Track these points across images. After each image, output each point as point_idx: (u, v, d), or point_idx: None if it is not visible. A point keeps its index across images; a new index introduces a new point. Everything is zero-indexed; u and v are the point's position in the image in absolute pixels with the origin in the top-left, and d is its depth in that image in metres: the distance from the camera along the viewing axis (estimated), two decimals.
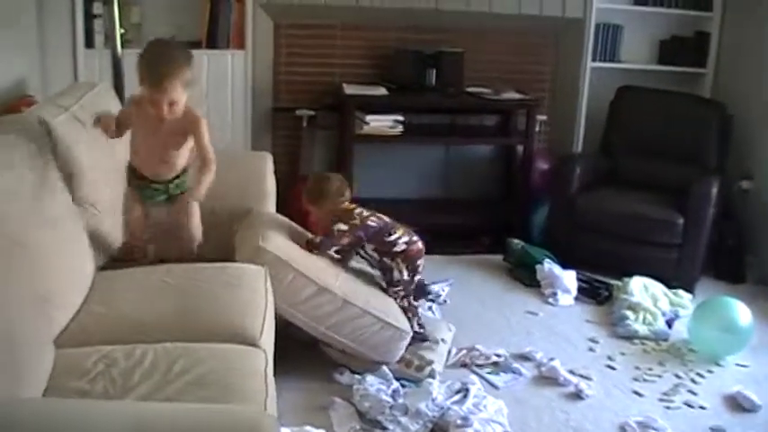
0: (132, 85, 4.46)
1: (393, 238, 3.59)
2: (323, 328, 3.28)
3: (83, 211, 2.95)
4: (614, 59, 5.32)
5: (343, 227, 3.49)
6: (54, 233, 2.59)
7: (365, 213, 3.58)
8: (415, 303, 3.69)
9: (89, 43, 4.61)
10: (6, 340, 1.94)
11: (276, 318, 3.10)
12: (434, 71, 5.13)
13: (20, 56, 3.83)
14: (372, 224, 3.57)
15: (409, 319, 3.55)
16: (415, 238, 3.65)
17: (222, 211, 3.60)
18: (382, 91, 5.04)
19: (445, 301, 4.26)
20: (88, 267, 2.85)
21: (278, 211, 3.86)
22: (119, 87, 4.09)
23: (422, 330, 3.62)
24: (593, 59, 5.25)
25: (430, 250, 4.83)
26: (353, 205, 3.61)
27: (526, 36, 5.45)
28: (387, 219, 3.65)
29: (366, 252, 3.67)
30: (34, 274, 2.32)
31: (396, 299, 3.58)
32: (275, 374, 2.94)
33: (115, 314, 2.65)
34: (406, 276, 3.60)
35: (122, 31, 4.25)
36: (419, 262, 3.66)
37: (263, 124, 5.23)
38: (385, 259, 3.61)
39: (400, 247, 3.59)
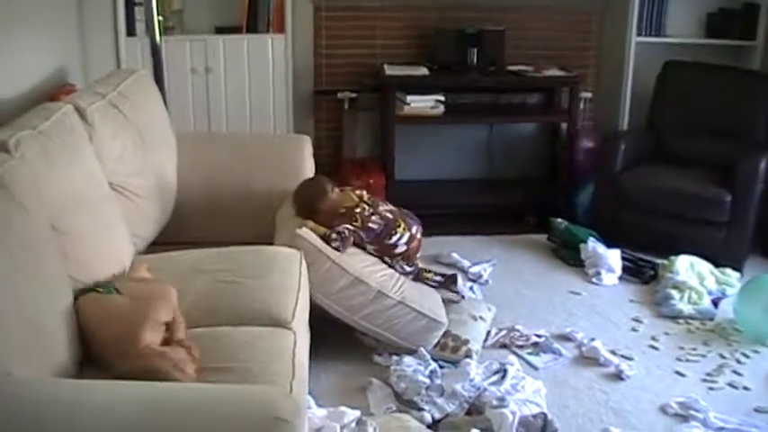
0: (172, 73, 4.56)
1: (394, 239, 3.55)
2: (357, 318, 3.30)
3: (119, 196, 2.99)
4: (660, 34, 5.20)
5: (348, 227, 3.43)
6: (90, 218, 2.63)
7: (366, 213, 3.51)
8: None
9: (130, 31, 4.65)
10: (35, 323, 1.99)
11: (315, 303, 3.15)
12: (475, 50, 5.08)
13: (60, 44, 3.88)
14: (373, 226, 3.51)
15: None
16: (414, 230, 3.62)
17: (260, 194, 3.65)
18: (423, 71, 5.01)
19: (487, 282, 4.24)
20: (125, 251, 2.90)
21: None
22: (158, 75, 4.14)
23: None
24: (639, 34, 5.14)
25: (473, 231, 4.88)
26: (354, 201, 3.56)
27: (568, 12, 5.36)
28: (389, 215, 3.57)
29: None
30: (68, 257, 2.36)
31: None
32: (314, 357, 3.01)
33: None
34: (407, 269, 3.61)
35: (161, 18, 4.28)
36: (417, 255, 3.68)
37: (305, 108, 5.25)
38: (385, 259, 3.56)
39: (401, 249, 3.57)
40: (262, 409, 1.63)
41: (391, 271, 3.52)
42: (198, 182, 3.66)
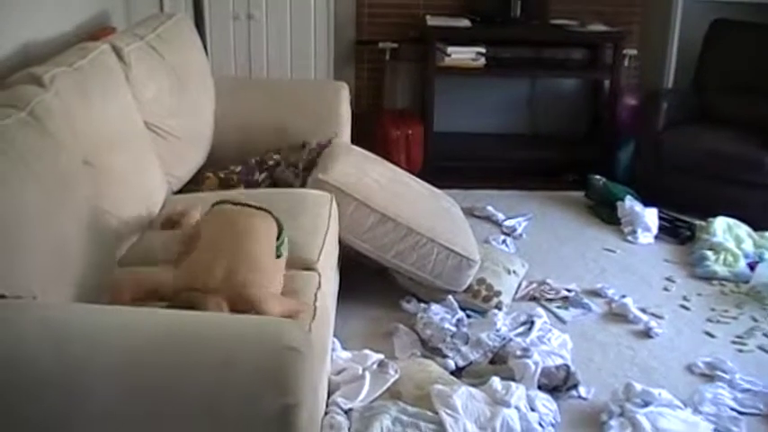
0: (214, 19, 4.57)
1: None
2: (389, 257, 3.30)
3: (155, 136, 3.04)
4: None
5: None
6: (123, 155, 2.68)
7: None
8: None
9: None
10: (62, 251, 2.04)
11: (347, 247, 3.19)
12: (519, 3, 5.02)
13: None
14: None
15: None
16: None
17: (296, 138, 3.67)
18: (465, 23, 4.97)
19: (521, 236, 4.23)
20: (158, 189, 2.95)
21: (361, 143, 3.89)
22: (199, 20, 4.16)
23: None
24: None
25: (511, 185, 4.86)
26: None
27: None
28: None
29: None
30: (100, 192, 2.41)
31: None
32: (343, 302, 3.06)
33: None
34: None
35: None
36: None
37: (347, 57, 5.24)
38: None
39: None
40: (273, 339, 1.66)
41: (424, 208, 3.50)
42: (234, 126, 3.69)
